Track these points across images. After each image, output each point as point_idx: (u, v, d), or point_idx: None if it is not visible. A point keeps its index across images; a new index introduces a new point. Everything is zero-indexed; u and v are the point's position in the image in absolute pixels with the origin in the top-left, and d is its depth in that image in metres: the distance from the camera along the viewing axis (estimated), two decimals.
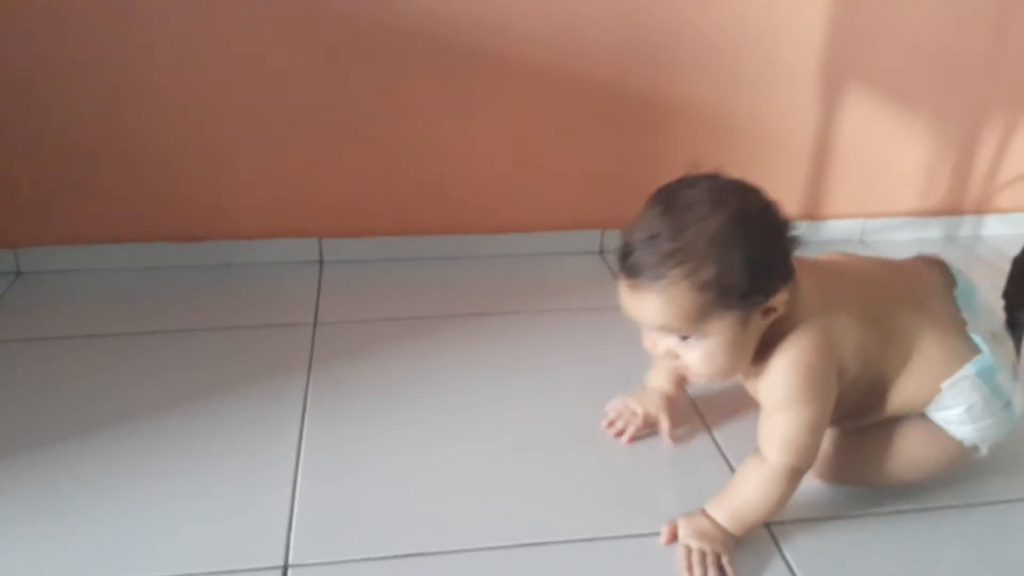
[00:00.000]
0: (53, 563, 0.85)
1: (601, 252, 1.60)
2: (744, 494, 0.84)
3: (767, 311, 0.79)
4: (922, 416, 0.90)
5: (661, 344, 0.82)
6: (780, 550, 0.88)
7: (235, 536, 0.88)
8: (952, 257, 0.97)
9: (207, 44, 1.36)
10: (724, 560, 0.83)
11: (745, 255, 0.75)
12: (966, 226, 1.72)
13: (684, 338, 0.80)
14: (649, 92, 1.49)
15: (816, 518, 0.92)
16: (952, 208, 1.70)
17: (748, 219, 0.76)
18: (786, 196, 1.61)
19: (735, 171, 1.68)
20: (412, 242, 1.54)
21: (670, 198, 0.78)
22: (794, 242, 0.80)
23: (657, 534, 0.88)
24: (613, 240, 1.59)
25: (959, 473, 0.96)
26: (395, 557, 0.86)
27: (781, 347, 0.81)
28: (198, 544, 0.87)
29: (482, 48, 1.41)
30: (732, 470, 0.98)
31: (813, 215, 1.67)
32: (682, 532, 0.85)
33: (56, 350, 1.24)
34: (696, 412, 1.10)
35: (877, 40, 1.51)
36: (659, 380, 1.04)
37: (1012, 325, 1.13)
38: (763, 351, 0.82)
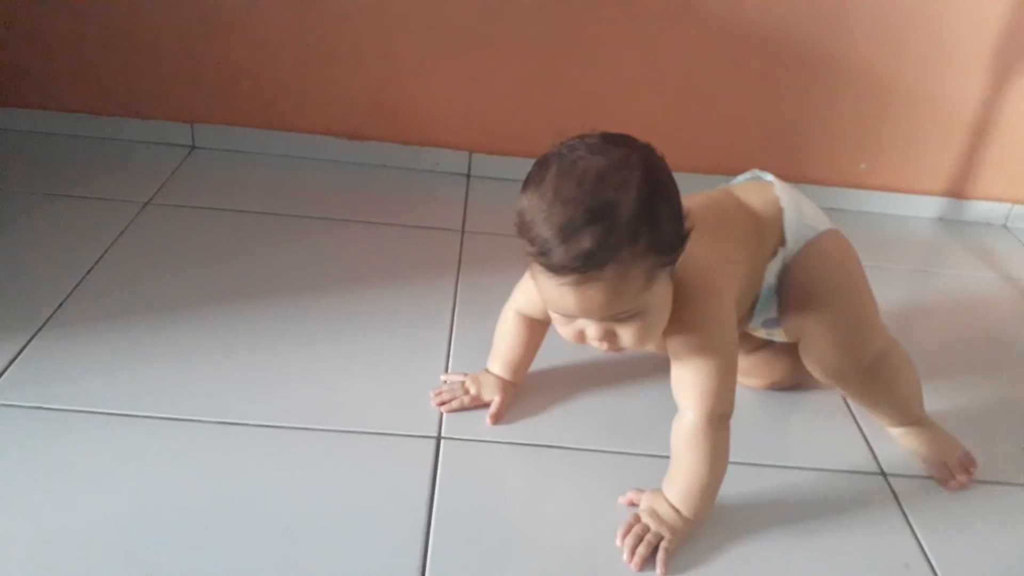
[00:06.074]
0: (235, 402, 0.96)
1: None
2: (683, 463, 0.82)
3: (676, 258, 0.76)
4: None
5: (593, 330, 0.76)
6: (900, 506, 0.93)
7: (396, 405, 0.98)
8: None
9: None
10: (663, 544, 0.82)
11: (668, 206, 0.72)
12: None
13: (623, 317, 0.75)
14: (814, 46, 1.49)
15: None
16: None
17: (655, 171, 0.72)
18: (934, 170, 1.62)
19: (887, 135, 1.64)
20: None
21: (563, 173, 0.71)
22: None
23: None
24: None
25: None
26: (533, 445, 0.95)
27: (686, 297, 0.79)
28: (364, 407, 0.98)
29: None
30: None
31: (958, 194, 1.64)
32: (641, 504, 0.86)
33: (225, 221, 1.35)
34: None
35: None
36: (496, 367, 1.00)
37: None
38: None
